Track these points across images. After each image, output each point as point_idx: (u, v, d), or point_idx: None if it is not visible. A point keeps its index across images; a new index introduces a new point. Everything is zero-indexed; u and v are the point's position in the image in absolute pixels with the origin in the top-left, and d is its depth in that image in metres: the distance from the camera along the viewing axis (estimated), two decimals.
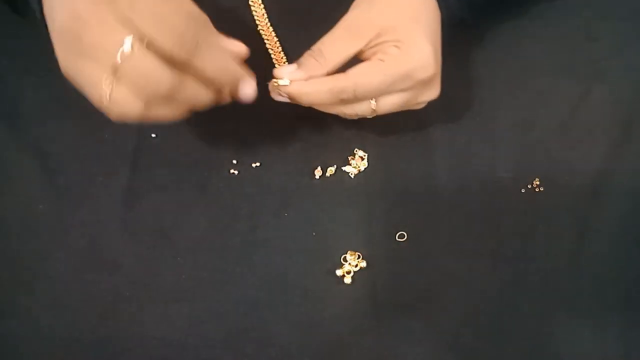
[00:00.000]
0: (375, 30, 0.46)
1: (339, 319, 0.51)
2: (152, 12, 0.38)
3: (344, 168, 0.54)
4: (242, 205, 0.53)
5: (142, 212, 0.52)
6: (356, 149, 0.55)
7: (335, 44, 0.46)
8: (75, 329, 0.50)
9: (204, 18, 0.43)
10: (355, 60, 0.47)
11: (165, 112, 0.42)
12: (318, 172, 0.54)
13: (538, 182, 0.54)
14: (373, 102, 0.47)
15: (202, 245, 0.52)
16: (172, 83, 0.40)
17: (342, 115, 0.49)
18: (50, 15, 0.41)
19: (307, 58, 0.47)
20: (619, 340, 0.51)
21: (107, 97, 0.39)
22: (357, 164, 0.54)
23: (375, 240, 0.52)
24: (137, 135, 0.54)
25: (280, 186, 0.53)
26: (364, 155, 0.54)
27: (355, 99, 0.46)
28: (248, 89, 0.45)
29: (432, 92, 0.49)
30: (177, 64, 0.40)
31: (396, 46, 0.46)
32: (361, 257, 0.52)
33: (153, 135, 0.54)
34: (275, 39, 0.55)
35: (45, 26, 0.42)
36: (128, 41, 0.38)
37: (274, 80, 0.46)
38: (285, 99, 0.47)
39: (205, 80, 0.42)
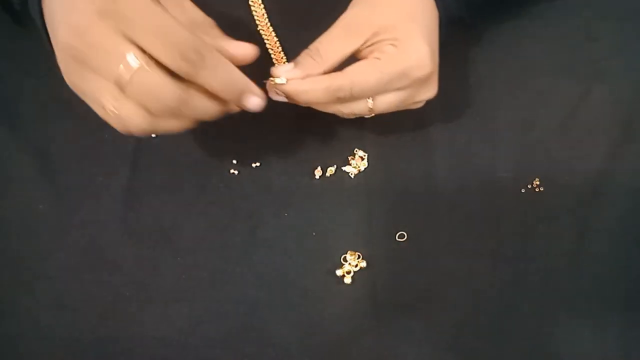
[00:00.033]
0: (372, 29, 0.46)
1: (339, 319, 0.51)
2: (154, 26, 0.38)
3: (344, 168, 0.54)
4: (242, 205, 0.53)
5: (142, 212, 0.52)
6: (356, 149, 0.55)
7: (332, 43, 0.47)
8: (75, 329, 0.50)
9: (209, 22, 0.43)
10: (353, 59, 0.47)
11: (173, 125, 0.42)
12: (318, 172, 0.54)
13: (538, 182, 0.54)
14: (370, 101, 0.47)
15: (202, 245, 0.52)
16: (179, 97, 0.39)
17: (339, 114, 0.49)
18: (52, 28, 0.41)
19: (304, 57, 0.47)
20: (619, 340, 0.51)
21: (114, 112, 0.39)
22: (357, 164, 0.54)
23: (375, 240, 0.52)
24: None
25: (280, 186, 0.53)
26: (364, 155, 0.54)
27: (352, 97, 0.46)
28: (256, 101, 0.44)
29: (429, 91, 0.49)
30: (183, 75, 0.39)
31: (393, 45, 0.46)
32: (361, 257, 0.52)
33: (153, 135, 0.54)
34: (275, 39, 0.55)
35: (47, 36, 0.42)
36: (133, 56, 0.37)
37: (271, 79, 0.46)
38: (282, 98, 0.47)
39: (211, 93, 0.41)
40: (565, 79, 0.57)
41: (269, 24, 0.55)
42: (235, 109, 0.45)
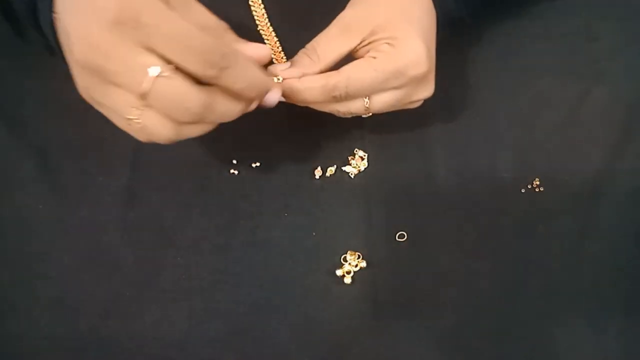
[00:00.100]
0: (368, 28, 0.46)
1: (339, 319, 0.51)
2: (175, 34, 0.37)
3: (344, 168, 0.54)
4: (242, 206, 0.53)
5: (142, 212, 0.52)
6: (356, 149, 0.55)
7: (329, 42, 0.47)
8: (75, 329, 0.50)
9: (223, 26, 0.43)
10: (350, 58, 0.47)
11: (195, 130, 0.42)
12: (318, 172, 0.54)
13: (538, 182, 0.54)
14: (366, 100, 0.47)
15: (202, 245, 0.52)
16: (204, 103, 0.39)
17: (336, 113, 0.49)
18: (66, 44, 0.40)
19: (301, 56, 0.47)
20: (619, 340, 0.51)
21: (137, 123, 0.39)
22: (357, 164, 0.54)
23: (375, 240, 0.52)
24: None
25: (280, 186, 0.53)
26: (364, 155, 0.54)
27: (348, 96, 0.46)
28: (274, 95, 0.44)
29: (426, 91, 0.49)
30: (207, 80, 0.39)
31: (389, 44, 0.46)
32: (361, 257, 0.52)
33: None
34: (275, 39, 0.55)
35: (60, 50, 0.41)
36: (154, 67, 0.37)
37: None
38: (280, 98, 0.47)
39: (235, 93, 0.41)
40: (565, 79, 0.57)
41: (269, 24, 0.55)
42: (254, 107, 0.44)
